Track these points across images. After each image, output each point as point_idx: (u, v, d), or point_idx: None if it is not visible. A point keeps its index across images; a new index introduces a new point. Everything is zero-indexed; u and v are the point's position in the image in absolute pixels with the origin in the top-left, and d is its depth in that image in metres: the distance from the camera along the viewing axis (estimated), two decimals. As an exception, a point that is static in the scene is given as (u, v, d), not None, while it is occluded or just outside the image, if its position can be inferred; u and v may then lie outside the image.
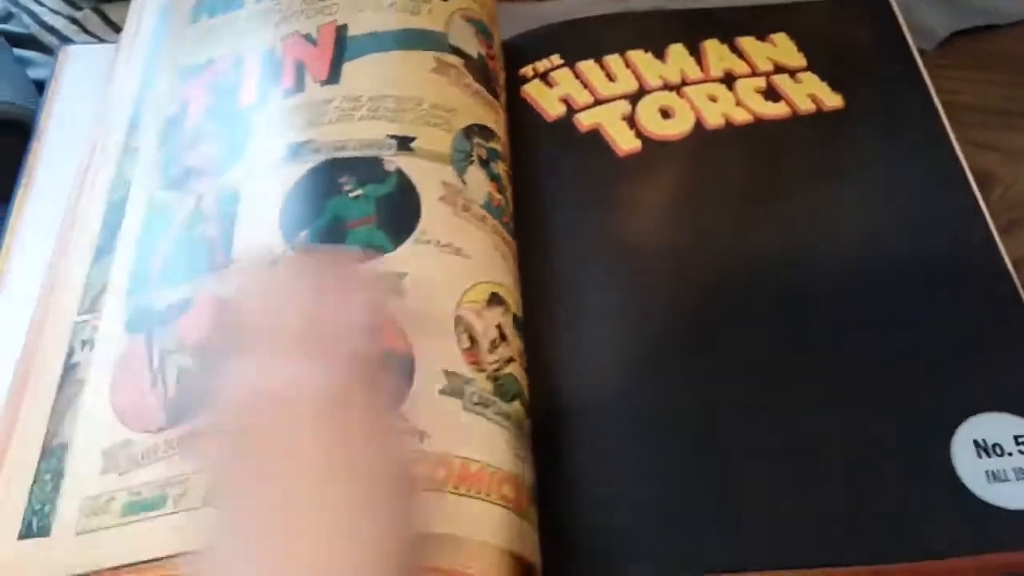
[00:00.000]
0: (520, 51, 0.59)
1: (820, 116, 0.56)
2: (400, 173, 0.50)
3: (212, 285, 0.46)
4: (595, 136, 0.55)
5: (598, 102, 0.56)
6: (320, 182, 0.49)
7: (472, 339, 0.46)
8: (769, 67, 0.58)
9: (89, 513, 0.42)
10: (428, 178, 0.50)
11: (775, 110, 0.56)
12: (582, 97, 0.57)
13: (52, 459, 0.43)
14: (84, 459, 0.43)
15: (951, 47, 0.63)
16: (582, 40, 0.59)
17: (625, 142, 0.55)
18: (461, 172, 0.51)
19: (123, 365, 0.45)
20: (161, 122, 0.53)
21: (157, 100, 0.55)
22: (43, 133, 0.55)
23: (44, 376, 0.45)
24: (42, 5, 0.62)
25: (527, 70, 0.59)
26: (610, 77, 0.58)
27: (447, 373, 0.44)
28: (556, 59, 0.58)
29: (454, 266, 0.48)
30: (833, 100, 0.56)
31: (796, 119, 0.56)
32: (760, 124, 0.56)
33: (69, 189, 0.51)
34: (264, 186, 0.49)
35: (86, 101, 0.55)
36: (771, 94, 0.57)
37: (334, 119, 0.51)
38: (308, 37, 0.54)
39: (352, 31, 0.54)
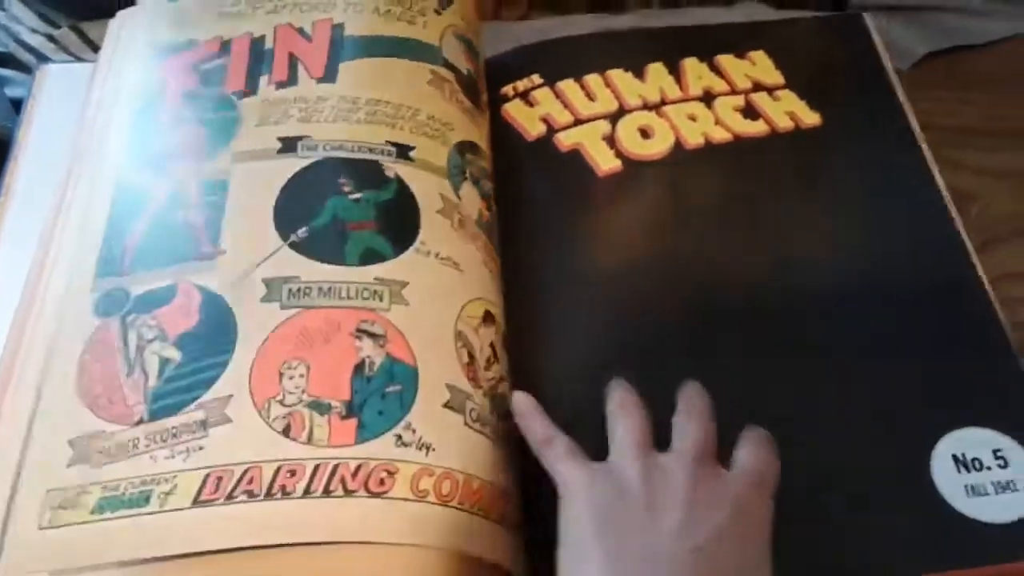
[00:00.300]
0: (500, 70, 0.59)
1: (798, 133, 0.56)
2: (400, 181, 0.49)
3: (197, 275, 0.45)
4: (575, 156, 0.55)
5: (578, 122, 0.57)
6: (319, 180, 0.48)
7: (471, 355, 0.46)
8: (747, 85, 0.58)
9: (56, 507, 0.39)
10: (427, 189, 0.49)
11: (754, 128, 0.57)
12: (562, 117, 0.57)
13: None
14: (47, 449, 0.41)
15: (927, 67, 0.64)
16: (562, 59, 0.59)
17: (605, 162, 0.55)
18: (456, 187, 0.51)
19: (91, 350, 0.43)
20: (135, 100, 0.52)
21: (130, 78, 0.53)
22: (20, 152, 0.54)
23: (20, 393, 0.43)
24: (20, 24, 0.61)
25: (507, 89, 0.58)
26: (590, 97, 0.58)
27: (449, 387, 0.44)
28: (536, 78, 0.58)
29: (453, 281, 0.47)
30: (811, 118, 0.57)
31: (774, 136, 0.56)
32: (739, 142, 0.56)
33: (46, 211, 0.51)
34: (255, 177, 0.48)
35: (64, 120, 0.54)
36: (749, 112, 0.57)
37: (331, 118, 0.50)
38: (302, 31, 0.54)
39: (348, 31, 0.54)
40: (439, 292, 0.47)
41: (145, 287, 0.45)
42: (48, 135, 0.55)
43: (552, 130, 0.56)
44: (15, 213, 0.52)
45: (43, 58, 0.62)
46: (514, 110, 0.58)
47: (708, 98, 0.58)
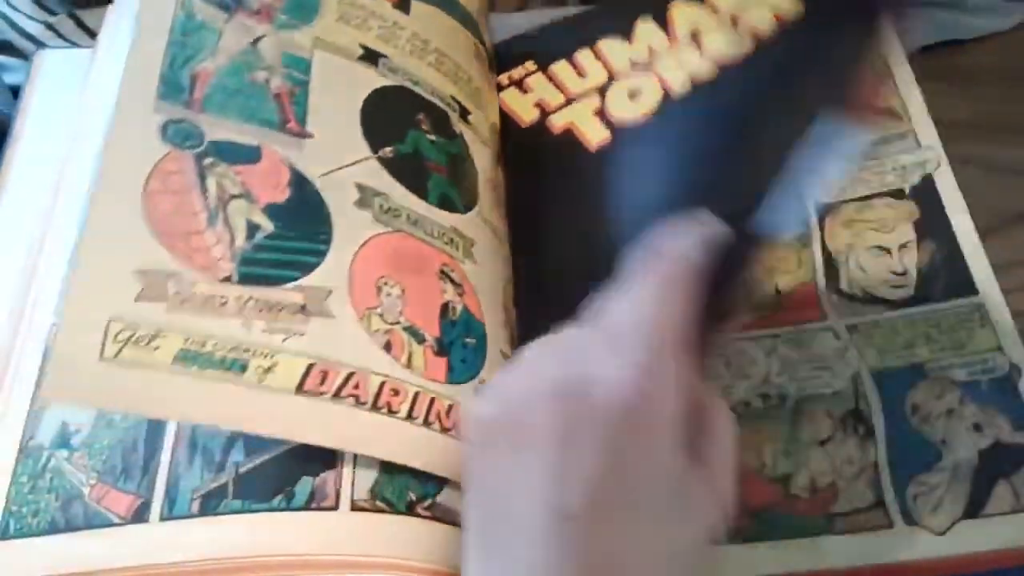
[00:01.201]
0: (496, 60, 0.59)
1: (782, 34, 0.54)
2: (463, 140, 0.47)
3: (283, 148, 0.41)
4: (568, 136, 0.54)
5: (569, 101, 0.56)
6: (400, 106, 0.45)
7: (512, 331, 0.45)
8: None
9: (124, 342, 0.34)
10: (481, 157, 0.48)
11: (738, 47, 0.55)
12: (555, 99, 0.56)
13: (29, 460, 0.38)
14: (106, 271, 0.35)
15: (917, 62, 0.64)
16: (554, 41, 0.59)
17: (595, 136, 0.54)
18: (495, 164, 0.49)
19: (160, 178, 0.38)
20: None
21: None
22: (18, 138, 0.54)
23: (20, 378, 0.41)
24: (17, 11, 0.61)
25: (502, 78, 0.58)
26: (580, 74, 0.57)
27: (503, 355, 0.43)
28: (530, 65, 0.58)
29: (499, 255, 0.46)
30: (794, 8, 0.54)
31: (757, 52, 0.54)
32: (723, 71, 0.54)
33: (43, 199, 0.50)
34: (339, 73, 0.45)
35: (61, 106, 0.54)
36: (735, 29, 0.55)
37: (407, 50, 0.47)
38: None
39: None
40: (492, 262, 0.45)
41: (223, 135, 0.40)
42: (45, 121, 0.55)
43: (545, 114, 0.55)
44: (11, 198, 0.52)
45: (41, 45, 0.62)
46: (509, 98, 0.57)
47: (696, 38, 0.56)
